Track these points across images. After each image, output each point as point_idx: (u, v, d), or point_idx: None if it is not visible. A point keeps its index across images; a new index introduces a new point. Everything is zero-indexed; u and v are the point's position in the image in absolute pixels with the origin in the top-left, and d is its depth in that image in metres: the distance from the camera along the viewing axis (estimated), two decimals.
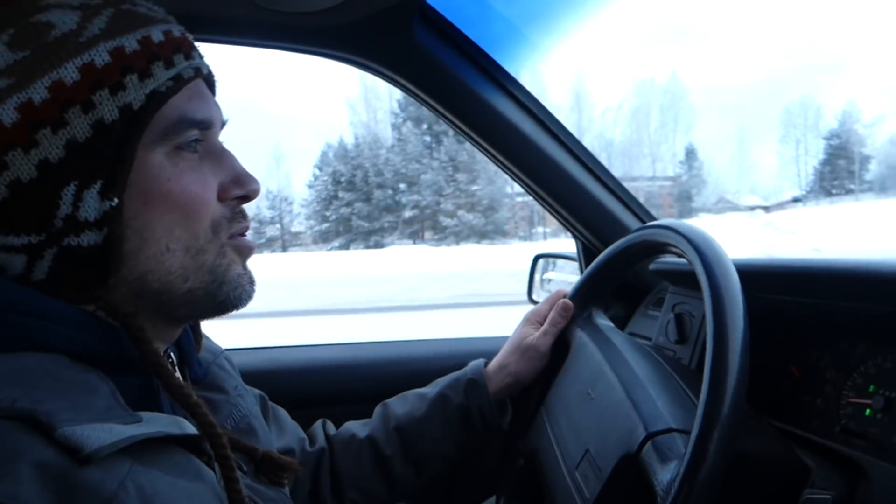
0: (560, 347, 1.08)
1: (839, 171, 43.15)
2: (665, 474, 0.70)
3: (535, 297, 1.76)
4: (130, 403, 0.59)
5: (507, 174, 1.40)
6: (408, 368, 1.49)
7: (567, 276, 1.68)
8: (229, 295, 0.69)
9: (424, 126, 42.58)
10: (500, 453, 1.12)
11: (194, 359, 0.80)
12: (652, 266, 1.27)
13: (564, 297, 1.14)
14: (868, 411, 0.93)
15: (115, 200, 0.59)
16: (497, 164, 1.39)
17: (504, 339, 1.52)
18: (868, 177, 43.08)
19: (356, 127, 44.85)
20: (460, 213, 41.19)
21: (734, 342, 0.70)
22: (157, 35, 0.64)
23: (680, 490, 0.64)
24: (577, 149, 1.37)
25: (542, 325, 1.13)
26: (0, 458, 0.47)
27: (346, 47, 1.23)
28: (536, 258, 1.79)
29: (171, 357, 0.75)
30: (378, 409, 1.13)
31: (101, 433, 0.51)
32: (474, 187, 41.90)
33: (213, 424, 0.65)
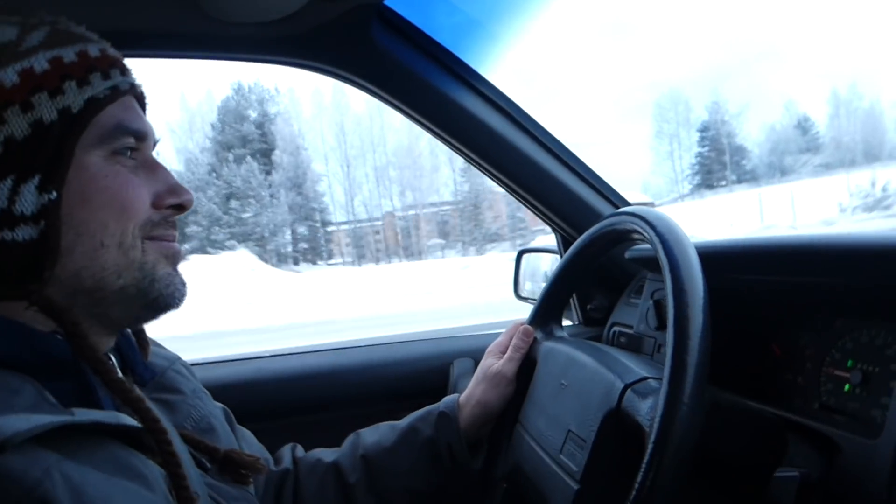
0: (526, 369, 1.06)
1: (713, 163, 42.68)
2: (646, 405, 0.72)
3: (521, 292, 1.75)
4: (65, 406, 0.59)
5: (479, 169, 1.39)
6: (390, 372, 1.48)
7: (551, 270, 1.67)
8: (162, 293, 0.71)
9: (221, 152, 41.17)
10: (478, 488, 1.08)
11: (138, 362, 0.80)
12: (627, 254, 1.26)
13: (523, 324, 1.13)
14: (847, 386, 0.93)
15: (54, 194, 0.62)
16: (468, 160, 1.38)
17: (487, 336, 1.53)
18: (748, 166, 42.65)
19: (181, 153, 43.38)
20: (229, 242, 39.13)
21: (695, 299, 0.71)
22: (93, 51, 0.69)
23: (665, 409, 0.65)
24: (546, 139, 1.36)
25: (503, 354, 1.11)
26: None
27: (306, 55, 1.22)
28: (521, 253, 1.78)
29: (111, 359, 0.75)
30: (350, 438, 1.11)
31: (18, 422, 0.51)
32: (245, 215, 40.22)
33: (156, 420, 0.65)
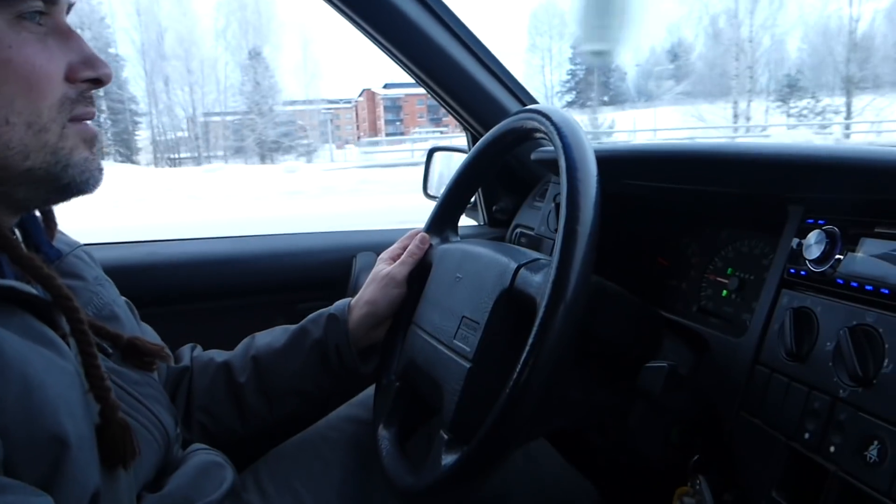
0: (419, 274, 1.05)
1: (583, 83, 41.86)
2: (538, 278, 0.74)
3: (430, 191, 1.75)
4: None
5: (393, 59, 1.34)
6: (292, 262, 1.46)
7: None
8: (75, 178, 0.66)
9: None
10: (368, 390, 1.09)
11: (43, 241, 0.76)
12: (533, 155, 1.26)
13: (419, 232, 1.11)
14: (724, 292, 0.99)
15: None
16: (381, 49, 1.33)
17: (392, 231, 1.52)
18: (622, 89, 42.20)
19: None
20: None
21: (588, 187, 0.72)
22: None
23: (555, 279, 0.67)
24: (461, 31, 1.32)
25: (395, 261, 1.09)
26: None
27: None
28: (431, 151, 1.76)
29: (15, 234, 0.71)
30: (245, 340, 1.09)
31: None
32: None
33: (68, 297, 0.62)
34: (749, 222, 0.98)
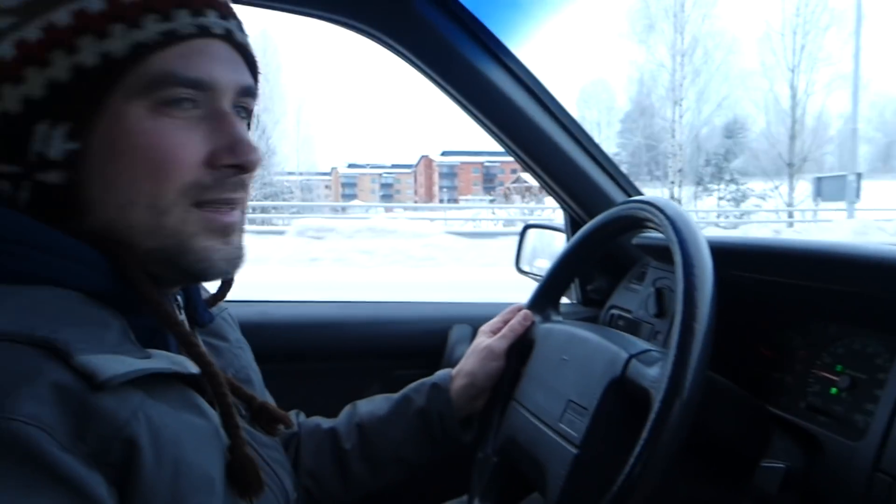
0: (520, 350, 1.07)
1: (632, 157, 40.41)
2: (653, 371, 0.75)
3: (523, 266, 1.78)
4: (140, 342, 0.62)
5: (498, 142, 1.40)
6: (391, 330, 1.52)
7: (555, 248, 1.69)
8: (192, 265, 0.67)
9: None
10: (468, 461, 1.10)
11: (199, 304, 0.81)
12: (635, 240, 1.29)
13: (521, 309, 1.13)
14: (834, 390, 0.97)
15: (76, 145, 0.61)
16: (488, 133, 1.40)
17: (488, 304, 1.56)
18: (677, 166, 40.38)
19: None
20: None
21: (704, 281, 0.75)
22: None
23: (672, 372, 0.68)
24: (566, 120, 1.38)
25: (495, 334, 1.12)
26: (21, 378, 0.49)
27: (347, 12, 1.23)
28: (525, 228, 1.80)
29: (177, 300, 0.77)
30: (347, 408, 1.12)
31: (115, 363, 0.53)
32: None
33: (211, 364, 0.66)
34: (862, 319, 0.96)
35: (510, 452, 0.99)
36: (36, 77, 0.60)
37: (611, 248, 1.52)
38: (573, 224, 1.55)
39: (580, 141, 1.40)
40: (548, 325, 1.05)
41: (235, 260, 0.70)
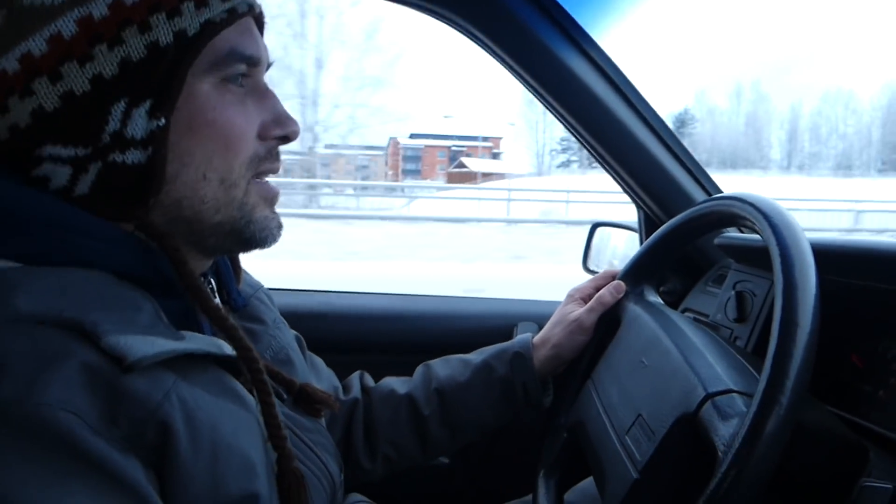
0: (607, 324, 1.05)
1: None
2: (727, 429, 0.68)
3: (590, 265, 1.74)
4: (173, 324, 0.61)
5: (574, 135, 1.36)
6: (455, 325, 1.50)
7: (625, 247, 1.64)
8: (255, 235, 0.71)
9: None
10: (541, 430, 1.10)
11: (233, 288, 0.82)
12: (717, 240, 1.23)
13: (614, 276, 1.11)
14: None
15: (163, 121, 0.61)
16: (563, 123, 1.35)
17: (552, 303, 1.52)
18: None
19: None
20: None
21: (804, 317, 0.67)
22: None
23: (744, 442, 0.61)
24: (648, 114, 1.32)
25: (585, 301, 1.11)
26: (48, 361, 0.48)
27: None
28: (594, 226, 1.75)
29: (210, 283, 0.77)
30: (420, 369, 1.13)
31: (144, 344, 0.53)
32: None
33: (249, 348, 0.66)
34: None
35: (579, 435, 0.97)
36: (106, 55, 0.59)
37: (688, 248, 1.47)
38: (648, 222, 1.49)
39: (661, 135, 1.34)
40: (637, 310, 1.01)
41: (281, 228, 0.74)
